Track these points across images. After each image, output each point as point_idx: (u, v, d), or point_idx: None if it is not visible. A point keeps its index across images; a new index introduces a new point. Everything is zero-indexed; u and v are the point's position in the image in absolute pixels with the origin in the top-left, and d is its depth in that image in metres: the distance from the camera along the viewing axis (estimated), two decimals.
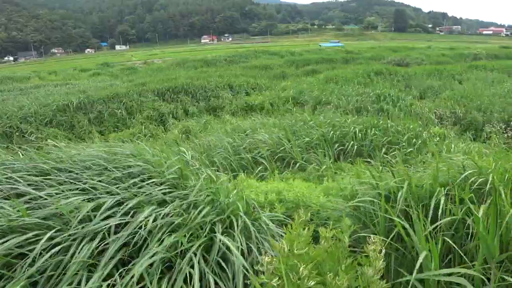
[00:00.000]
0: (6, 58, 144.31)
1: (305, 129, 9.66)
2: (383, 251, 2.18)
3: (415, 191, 3.37)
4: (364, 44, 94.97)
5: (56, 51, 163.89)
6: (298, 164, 7.70)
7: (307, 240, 2.19)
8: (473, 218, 2.87)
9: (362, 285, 2.09)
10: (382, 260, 2.14)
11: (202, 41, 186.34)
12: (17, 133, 16.80)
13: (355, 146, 8.59)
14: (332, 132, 9.19)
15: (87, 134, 15.83)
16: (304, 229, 2.25)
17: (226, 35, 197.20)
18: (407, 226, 2.86)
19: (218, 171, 6.85)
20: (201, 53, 72.34)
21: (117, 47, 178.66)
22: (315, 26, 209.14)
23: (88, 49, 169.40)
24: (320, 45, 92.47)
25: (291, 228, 2.23)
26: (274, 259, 2.10)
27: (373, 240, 2.23)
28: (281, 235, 3.28)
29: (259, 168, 7.49)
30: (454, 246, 2.76)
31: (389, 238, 2.95)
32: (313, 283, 1.97)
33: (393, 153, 7.79)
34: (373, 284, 2.06)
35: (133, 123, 17.79)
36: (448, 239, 2.82)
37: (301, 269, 1.98)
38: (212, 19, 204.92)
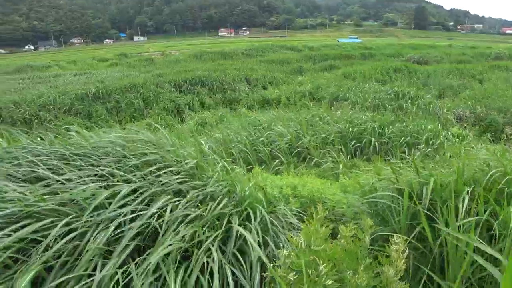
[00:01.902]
0: (26, 47, 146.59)
1: (321, 125, 9.58)
2: (406, 251, 2.13)
3: (438, 190, 3.27)
4: (383, 41, 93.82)
5: (75, 41, 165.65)
6: (314, 160, 7.63)
7: (324, 236, 2.15)
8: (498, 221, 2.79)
9: (381, 285, 2.04)
10: (403, 260, 2.09)
11: (220, 34, 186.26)
12: (36, 121, 17.08)
13: (372, 144, 8.48)
14: (350, 128, 9.08)
15: (105, 123, 15.97)
16: (322, 225, 2.20)
17: (243, 28, 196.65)
18: (443, 229, 2.77)
19: (234, 163, 6.84)
20: (218, 46, 72.30)
21: (135, 38, 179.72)
22: (334, 22, 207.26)
23: (106, 40, 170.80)
24: (338, 41, 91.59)
25: (309, 224, 2.19)
26: (292, 254, 2.07)
27: (395, 240, 2.17)
28: (297, 229, 3.24)
29: (275, 162, 7.45)
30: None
31: (411, 237, 2.88)
32: (331, 281, 1.93)
33: (411, 152, 7.67)
34: (392, 284, 2.00)
35: (150, 114, 17.90)
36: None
37: (321, 267, 1.95)
38: (230, 12, 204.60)
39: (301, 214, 3.65)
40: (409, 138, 8.81)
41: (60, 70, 40.31)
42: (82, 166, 3.08)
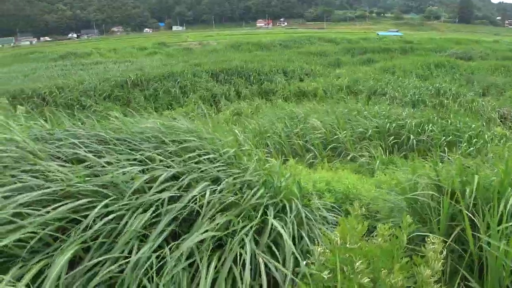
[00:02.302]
0: (70, 35, 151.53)
1: (358, 119, 9.42)
2: (444, 252, 2.06)
3: (482, 190, 3.14)
4: (424, 35, 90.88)
5: (116, 29, 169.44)
6: (350, 155, 7.52)
7: (360, 234, 2.10)
8: None
9: (416, 286, 1.99)
10: (441, 262, 2.02)
11: (257, 24, 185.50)
12: (77, 106, 17.67)
13: (411, 141, 8.24)
14: (388, 124, 8.86)
15: (142, 110, 16.31)
16: (358, 222, 2.16)
17: (281, 19, 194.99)
18: (482, 237, 2.66)
19: (269, 154, 6.84)
20: (256, 36, 72.17)
21: (174, 27, 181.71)
22: (374, 14, 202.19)
23: (146, 29, 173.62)
24: (378, 34, 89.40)
25: (346, 221, 2.15)
26: (327, 250, 2.04)
27: (432, 240, 2.10)
28: (331, 224, 3.21)
29: (309, 155, 7.39)
30: None
31: (450, 239, 2.78)
32: (367, 280, 1.89)
33: (451, 151, 7.41)
34: (428, 286, 1.93)
35: (186, 102, 18.14)
36: None
37: (357, 264, 1.91)
38: (268, 2, 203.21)
39: (335, 210, 3.61)
40: (450, 136, 8.51)
41: (100, 58, 41.40)
42: (121, 150, 3.14)
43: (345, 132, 8.16)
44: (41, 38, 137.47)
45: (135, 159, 2.98)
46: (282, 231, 2.41)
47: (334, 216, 3.30)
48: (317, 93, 17.61)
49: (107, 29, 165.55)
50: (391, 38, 67.13)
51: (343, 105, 12.02)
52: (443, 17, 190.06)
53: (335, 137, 8.15)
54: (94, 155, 2.95)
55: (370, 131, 8.47)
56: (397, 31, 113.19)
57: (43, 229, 2.06)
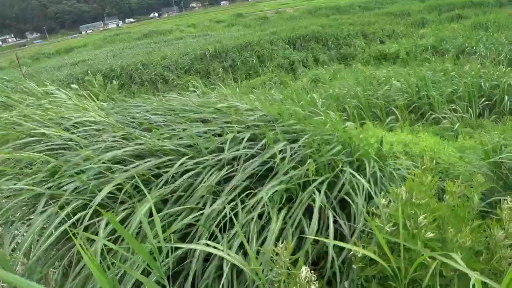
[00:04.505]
0: (152, 14, 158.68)
1: (444, 80, 8.80)
2: None
3: None
4: None
5: (194, 5, 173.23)
6: (432, 117, 7.13)
7: (428, 190, 1.94)
8: None
9: (488, 248, 1.85)
10: None
11: None
12: (160, 80, 18.67)
13: (505, 103, 7.53)
14: (482, 82, 8.17)
15: (222, 81, 16.76)
16: (427, 177, 2.02)
17: None
18: None
19: (348, 118, 6.72)
20: (334, 0, 69.54)
21: None
22: None
23: (223, 2, 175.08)
24: None
25: (414, 176, 2.04)
26: (392, 204, 1.97)
27: (508, 203, 1.91)
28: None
29: (389, 118, 7.11)
30: None
31: None
32: (432, 234, 1.77)
33: None
34: (501, 249, 1.76)
35: (264, 71, 18.25)
36: None
37: (420, 217, 1.80)
38: None
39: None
40: None
41: (181, 34, 42.70)
42: (195, 119, 3.28)
43: (430, 93, 7.71)
44: (126, 20, 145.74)
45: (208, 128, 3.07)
46: (359, 177, 2.38)
47: None
48: (399, 55, 16.69)
49: (186, 6, 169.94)
50: None
51: (427, 66, 11.29)
52: None
53: (418, 99, 7.73)
54: (166, 125, 3.14)
55: (460, 90, 7.88)
56: None
57: (129, 182, 2.25)
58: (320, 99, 7.74)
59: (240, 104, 3.59)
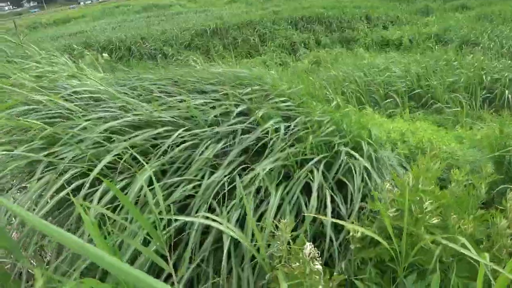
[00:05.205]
0: None
1: (446, 70, 8.76)
2: None
3: None
4: None
5: None
6: (434, 106, 7.12)
7: (434, 177, 1.95)
8: None
9: (488, 238, 1.88)
10: None
11: None
12: (160, 55, 18.45)
13: (505, 96, 7.51)
14: (484, 74, 8.14)
15: (221, 59, 16.60)
16: (434, 164, 2.02)
17: None
18: None
19: (347, 102, 6.68)
20: None
21: None
22: None
23: None
24: None
25: (420, 162, 2.03)
26: (395, 189, 1.97)
27: None
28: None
29: (387, 101, 7.08)
30: None
31: None
32: (436, 220, 1.78)
33: None
34: (503, 238, 1.78)
35: (265, 51, 18.04)
36: None
37: (426, 203, 1.79)
38: None
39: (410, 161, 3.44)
40: None
41: (181, 8, 41.96)
42: (194, 90, 3.24)
43: (431, 82, 7.69)
44: None
45: (205, 99, 3.05)
46: (357, 156, 2.40)
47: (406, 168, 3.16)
48: (402, 42, 16.55)
49: None
50: None
51: (429, 55, 11.22)
52: None
53: (418, 85, 7.71)
54: (166, 95, 3.10)
55: (461, 82, 7.86)
56: None
57: (127, 153, 2.24)
58: (318, 81, 7.67)
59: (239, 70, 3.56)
